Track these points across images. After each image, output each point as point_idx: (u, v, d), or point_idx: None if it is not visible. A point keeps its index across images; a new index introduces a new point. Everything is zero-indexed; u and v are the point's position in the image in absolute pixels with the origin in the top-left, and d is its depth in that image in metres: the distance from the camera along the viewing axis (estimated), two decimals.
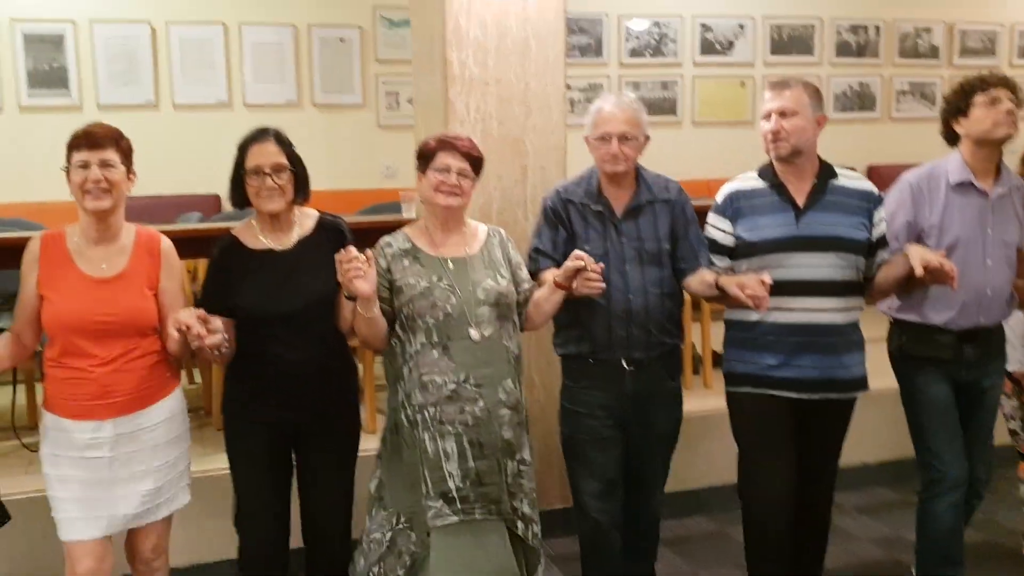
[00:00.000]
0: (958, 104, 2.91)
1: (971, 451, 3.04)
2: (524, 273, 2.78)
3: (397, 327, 2.63)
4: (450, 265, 2.64)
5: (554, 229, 2.87)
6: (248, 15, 6.33)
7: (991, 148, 2.91)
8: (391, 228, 3.65)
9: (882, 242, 2.84)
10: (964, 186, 2.92)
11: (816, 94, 2.76)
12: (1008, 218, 2.97)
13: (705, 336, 4.48)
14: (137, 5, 6.14)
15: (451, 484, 2.56)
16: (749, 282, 2.53)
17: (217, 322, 2.38)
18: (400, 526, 2.62)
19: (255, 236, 2.64)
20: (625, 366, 2.82)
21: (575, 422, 2.93)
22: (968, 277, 2.79)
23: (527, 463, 2.70)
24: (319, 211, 2.76)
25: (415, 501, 2.59)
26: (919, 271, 2.58)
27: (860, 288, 2.84)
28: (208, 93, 6.29)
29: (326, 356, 2.65)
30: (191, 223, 4.70)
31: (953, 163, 2.95)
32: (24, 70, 5.95)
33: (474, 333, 2.57)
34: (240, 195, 2.62)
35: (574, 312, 2.81)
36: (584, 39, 7.01)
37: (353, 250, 2.42)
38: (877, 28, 7.75)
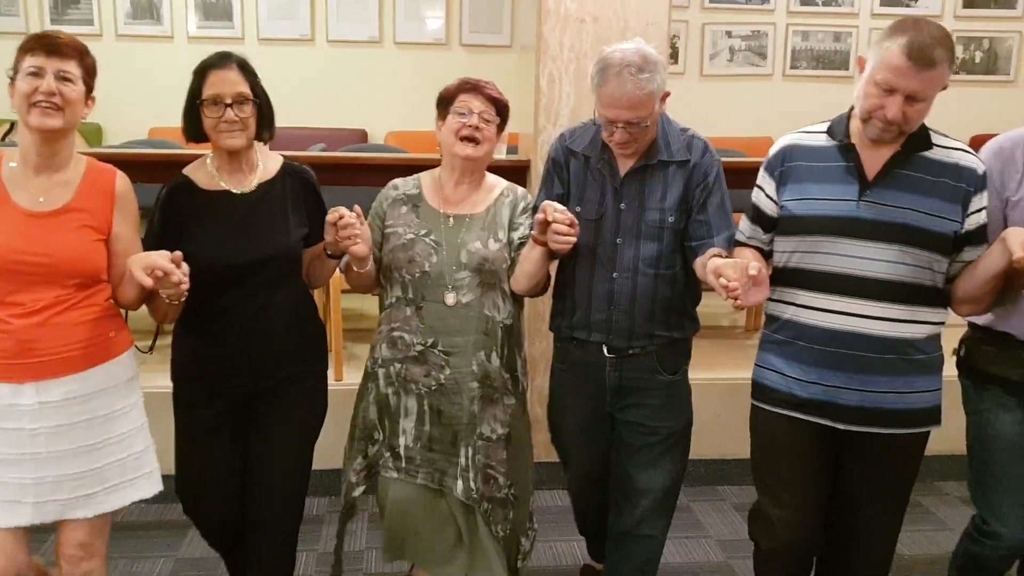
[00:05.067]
0: None
1: None
2: (518, 233, 2.46)
3: (380, 276, 2.50)
4: (450, 222, 2.45)
5: (550, 184, 2.51)
6: None
7: None
8: None
9: (977, 237, 2.15)
10: None
11: (954, 58, 2.06)
12: None
13: None
14: None
15: (400, 440, 2.48)
16: (726, 269, 2.03)
17: (186, 267, 2.07)
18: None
19: (210, 176, 2.34)
20: (606, 353, 2.45)
21: (553, 408, 2.66)
22: None
23: (487, 438, 2.47)
24: (283, 156, 2.48)
25: (350, 447, 2.58)
26: (1019, 255, 1.95)
27: (936, 295, 2.17)
28: (360, 30, 6.42)
29: (286, 313, 2.37)
30: (315, 151, 4.84)
31: None
32: (193, 2, 6.31)
33: (449, 297, 2.40)
34: (195, 128, 2.29)
35: (562, 284, 2.53)
36: None
37: (345, 211, 2.23)
38: None
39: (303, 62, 6.41)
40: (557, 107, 3.46)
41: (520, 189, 2.56)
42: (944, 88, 2.07)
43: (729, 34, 6.67)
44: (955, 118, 6.44)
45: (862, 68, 2.12)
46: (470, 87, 2.42)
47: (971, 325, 2.40)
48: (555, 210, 2.23)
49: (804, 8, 6.69)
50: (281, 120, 7.21)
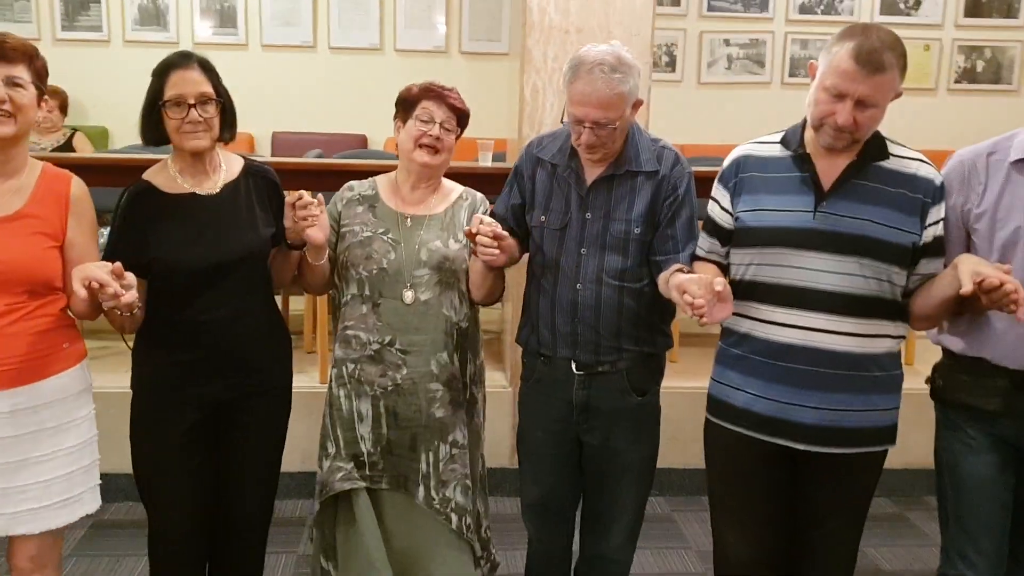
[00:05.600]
0: None
1: (1021, 547, 2.24)
2: None
3: (334, 275, 2.46)
4: (408, 222, 2.42)
5: (508, 193, 2.46)
6: None
7: None
8: (462, 176, 3.65)
9: (933, 249, 2.11)
10: None
11: (905, 65, 2.02)
12: None
13: None
14: None
15: (363, 447, 2.42)
16: (690, 286, 1.97)
17: (131, 277, 1.98)
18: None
19: (172, 179, 2.28)
20: (574, 370, 2.36)
21: (520, 429, 2.54)
22: None
23: (461, 446, 2.47)
24: (244, 156, 2.44)
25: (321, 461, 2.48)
26: (967, 288, 1.88)
27: (895, 308, 2.12)
28: (361, 37, 6.49)
29: (255, 317, 2.33)
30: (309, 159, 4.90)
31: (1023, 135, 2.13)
32: (198, 9, 6.39)
33: (408, 295, 2.36)
34: (154, 131, 2.24)
35: (528, 295, 2.46)
36: None
37: (306, 194, 2.23)
38: None
39: (305, 68, 6.48)
40: (541, 117, 3.51)
41: (479, 194, 2.54)
42: (898, 96, 2.05)
43: (727, 42, 6.70)
44: (956, 128, 6.52)
45: (813, 74, 2.09)
46: (434, 94, 2.38)
47: (945, 352, 2.30)
48: (480, 222, 2.21)
49: (803, 17, 6.70)
50: (283, 125, 7.34)
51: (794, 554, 2.32)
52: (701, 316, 1.95)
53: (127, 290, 1.94)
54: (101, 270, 1.93)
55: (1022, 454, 2.18)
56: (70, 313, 2.19)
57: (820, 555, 2.29)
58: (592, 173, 2.32)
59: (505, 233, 2.24)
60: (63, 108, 5.70)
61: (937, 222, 2.11)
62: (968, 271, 1.90)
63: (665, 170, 2.30)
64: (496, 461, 3.76)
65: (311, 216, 2.23)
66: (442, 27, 6.54)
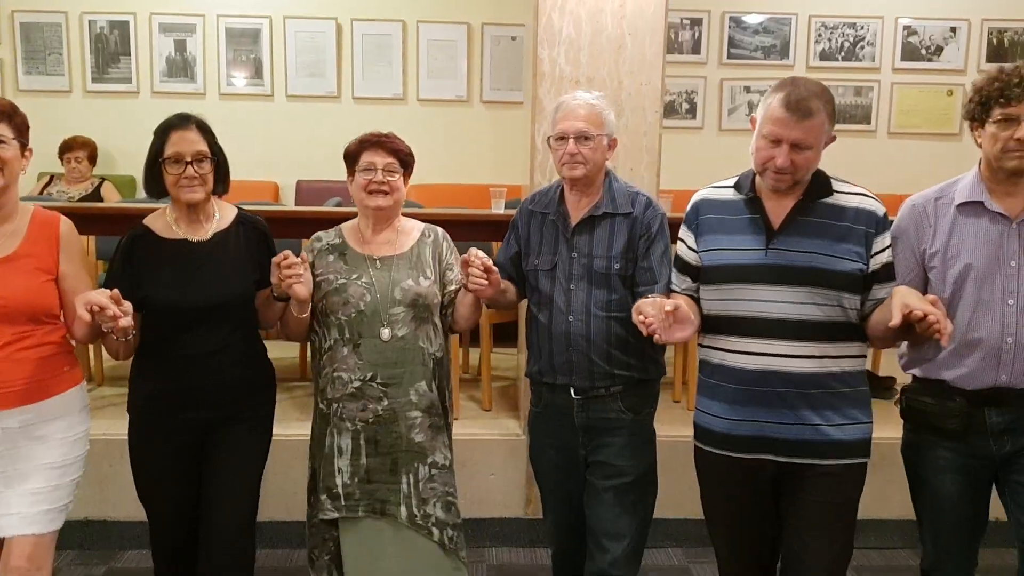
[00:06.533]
0: (974, 110, 2.28)
1: None
2: (453, 274, 2.64)
3: (314, 322, 2.61)
4: (377, 264, 2.58)
5: (507, 242, 2.73)
6: (425, 13, 6.60)
7: (1007, 172, 2.25)
8: (477, 222, 3.66)
9: (882, 275, 2.27)
10: (974, 206, 2.29)
11: (834, 111, 2.21)
12: None
13: None
14: (325, 3, 6.56)
15: (338, 480, 2.58)
16: (645, 307, 2.16)
17: (128, 304, 2.21)
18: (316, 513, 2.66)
19: (168, 226, 2.52)
20: (573, 395, 2.56)
21: (532, 451, 2.79)
22: (981, 320, 2.25)
23: (441, 466, 2.63)
24: (238, 207, 2.64)
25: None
26: (896, 320, 2.04)
27: (852, 330, 2.28)
28: (385, 87, 6.62)
29: (238, 353, 2.53)
30: (329, 206, 4.95)
31: (967, 179, 2.33)
32: (225, 60, 6.54)
33: (385, 332, 2.53)
34: (155, 184, 2.49)
35: (528, 336, 2.67)
36: (769, 40, 6.71)
37: (291, 254, 2.42)
38: None
39: (329, 118, 6.60)
40: (552, 165, 3.52)
41: (440, 229, 2.72)
42: (832, 140, 2.23)
43: (748, 89, 6.75)
44: None
45: (754, 127, 2.27)
46: (372, 144, 2.56)
47: (913, 376, 2.46)
48: (475, 255, 2.41)
49: (824, 63, 6.75)
50: (307, 173, 7.42)
51: (784, 570, 2.43)
52: (654, 334, 2.13)
53: (125, 315, 2.18)
54: (101, 295, 2.17)
55: (998, 466, 2.33)
56: (70, 339, 2.42)
57: (807, 568, 2.34)
58: (576, 215, 2.57)
59: (495, 268, 2.45)
60: (92, 158, 5.82)
61: (883, 250, 2.27)
62: (898, 304, 2.07)
63: (638, 212, 2.55)
64: (510, 511, 3.74)
65: (296, 275, 2.42)
66: (464, 77, 6.64)
